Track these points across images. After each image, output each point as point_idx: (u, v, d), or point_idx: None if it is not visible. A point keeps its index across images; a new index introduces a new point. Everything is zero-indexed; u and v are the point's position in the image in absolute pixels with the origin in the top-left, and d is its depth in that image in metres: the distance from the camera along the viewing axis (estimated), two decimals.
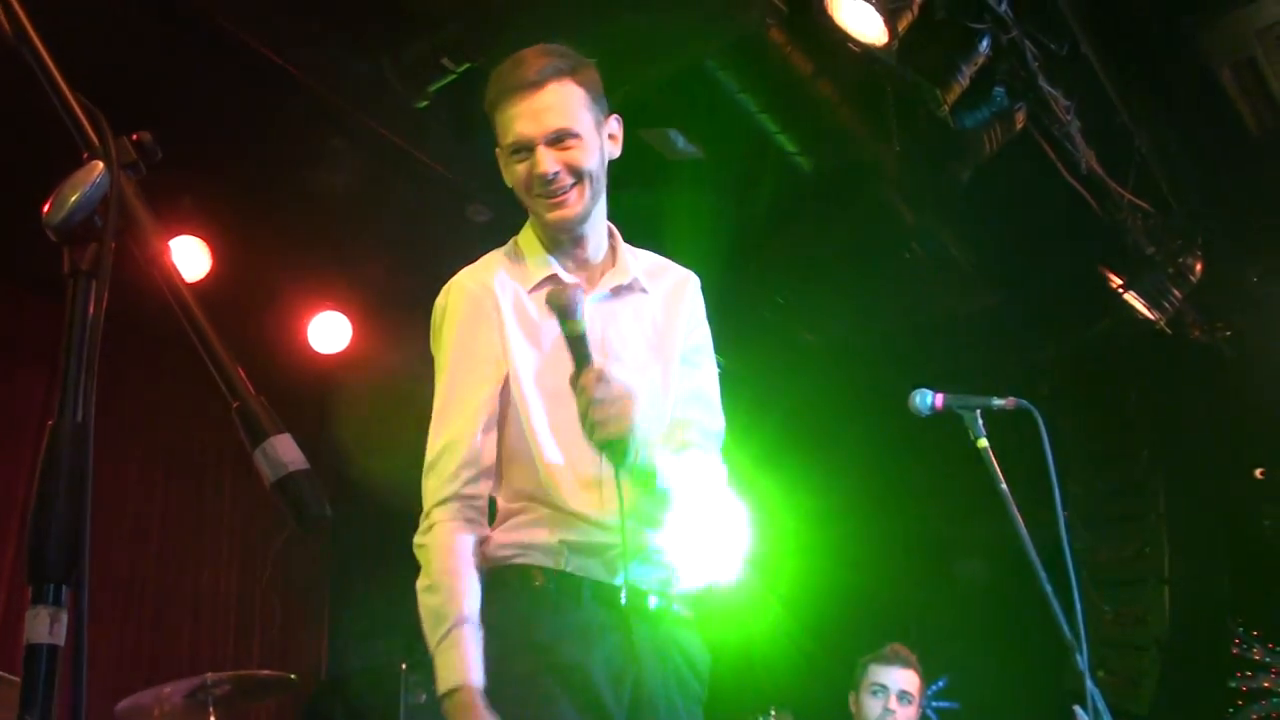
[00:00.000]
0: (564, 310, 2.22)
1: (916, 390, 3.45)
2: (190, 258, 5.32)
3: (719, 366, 7.81)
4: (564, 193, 2.36)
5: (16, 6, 1.34)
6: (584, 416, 2.21)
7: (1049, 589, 3.24)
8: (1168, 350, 6.36)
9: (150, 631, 5.95)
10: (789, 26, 4.78)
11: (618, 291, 2.50)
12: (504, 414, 2.43)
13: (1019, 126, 4.81)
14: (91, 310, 1.24)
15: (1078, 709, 3.32)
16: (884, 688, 3.76)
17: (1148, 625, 6.79)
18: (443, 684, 2.24)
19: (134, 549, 5.80)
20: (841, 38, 4.13)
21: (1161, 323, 5.78)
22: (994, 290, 6.06)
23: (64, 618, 1.14)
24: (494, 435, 2.42)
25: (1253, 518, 6.89)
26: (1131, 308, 5.66)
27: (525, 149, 2.36)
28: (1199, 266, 5.77)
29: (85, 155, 1.30)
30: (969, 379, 6.73)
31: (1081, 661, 3.13)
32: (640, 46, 4.67)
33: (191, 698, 4.38)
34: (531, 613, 2.34)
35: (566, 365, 2.27)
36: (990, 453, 3.37)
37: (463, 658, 2.24)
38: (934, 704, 8.88)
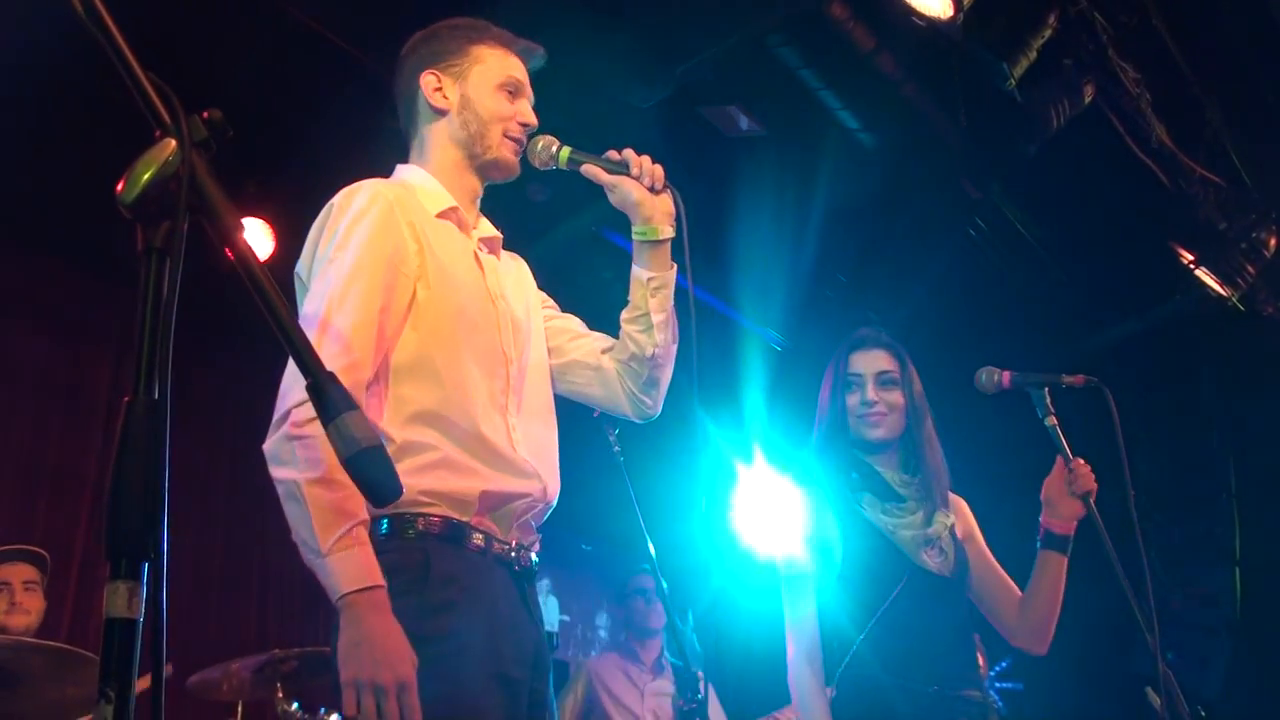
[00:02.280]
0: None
1: (983, 368, 3.39)
2: (254, 240, 5.37)
3: (778, 346, 7.76)
4: (522, 146, 2.53)
5: None
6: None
7: (1120, 569, 3.19)
8: (1240, 327, 6.23)
9: (218, 610, 6.03)
10: (850, 1, 4.74)
11: (492, 245, 2.59)
12: (408, 326, 2.31)
13: (1088, 100, 4.72)
14: (165, 288, 1.24)
15: (1150, 690, 3.27)
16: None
17: (1218, 606, 6.69)
18: (352, 582, 2.01)
19: (201, 529, 5.88)
20: (905, 11, 4.08)
21: (1234, 299, 5.66)
22: (1061, 268, 5.96)
23: (142, 592, 1.15)
24: (385, 346, 2.27)
25: None
26: (1203, 284, 5.55)
27: (519, 94, 2.54)
28: (1273, 241, 5.64)
29: (157, 133, 1.30)
30: (1034, 357, 6.67)
31: (1153, 643, 3.07)
32: (699, 23, 4.65)
33: (259, 673, 4.44)
34: (442, 569, 2.20)
35: (475, 289, 2.42)
36: (1059, 430, 3.33)
37: (371, 556, 2.06)
38: (998, 684, 8.83)
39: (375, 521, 2.25)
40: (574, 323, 2.68)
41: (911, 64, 5.08)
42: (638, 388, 2.54)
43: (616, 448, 4.00)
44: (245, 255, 1.28)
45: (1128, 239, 5.77)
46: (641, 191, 2.43)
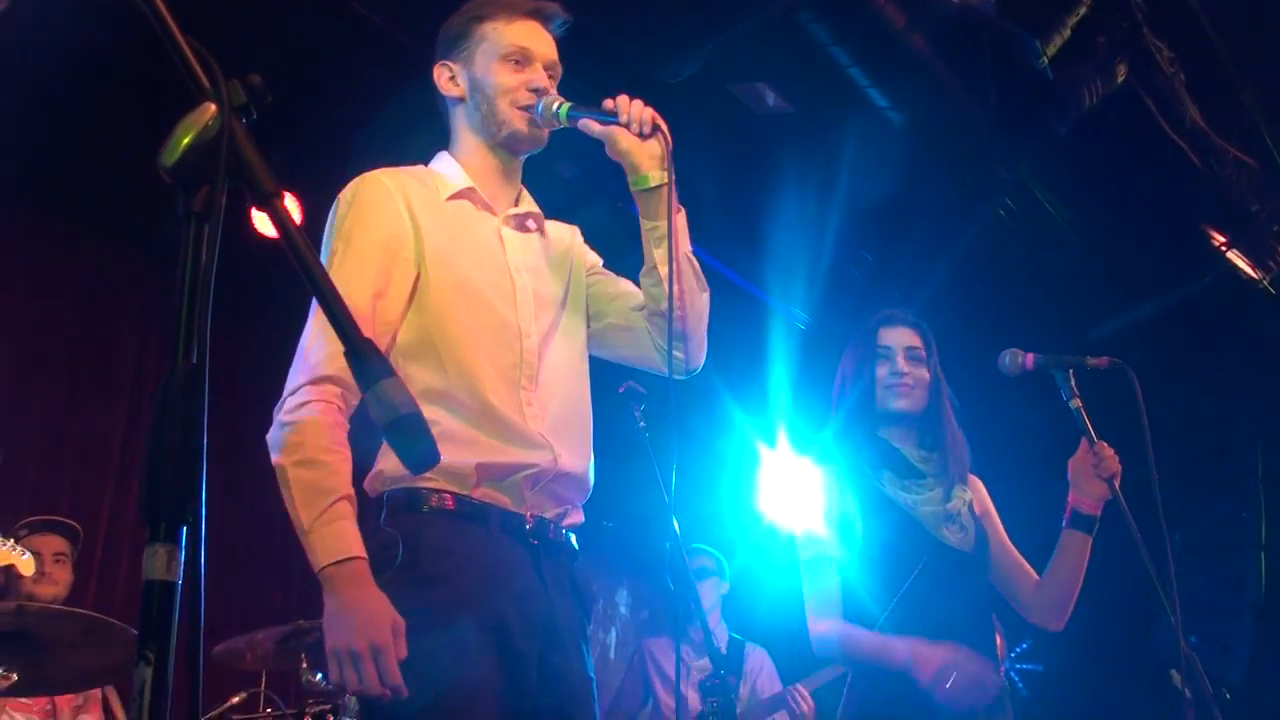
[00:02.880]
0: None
1: (1007, 350, 3.39)
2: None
3: (802, 325, 7.73)
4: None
5: None
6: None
7: (1145, 551, 3.18)
8: (1270, 310, 6.18)
9: (243, 583, 6.07)
10: None
11: (524, 221, 2.59)
12: (413, 308, 2.36)
13: (1120, 79, 4.68)
14: (204, 253, 1.24)
15: (1175, 672, 3.26)
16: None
17: (1243, 590, 6.65)
18: (330, 554, 2.08)
19: (225, 504, 5.90)
20: None
21: (1265, 281, 5.61)
22: (1090, 249, 5.91)
23: (180, 555, 1.15)
24: (386, 330, 2.33)
25: None
26: (1234, 266, 5.50)
27: (526, 61, 2.50)
28: None
29: (199, 98, 1.30)
30: (1062, 339, 6.64)
31: (1176, 625, 3.06)
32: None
33: (284, 643, 4.46)
34: (436, 542, 2.24)
35: (489, 266, 2.43)
36: (1084, 412, 3.32)
37: (353, 529, 2.12)
38: (1018, 666, 8.81)
39: (378, 497, 2.32)
40: (614, 285, 2.66)
41: (942, 42, 5.05)
42: (666, 343, 2.48)
43: (642, 423, 4.00)
44: (285, 221, 1.27)
45: (1159, 220, 5.72)
46: (630, 139, 2.39)
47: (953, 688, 3.03)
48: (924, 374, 3.37)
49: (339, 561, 2.08)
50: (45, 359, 5.84)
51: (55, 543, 4.69)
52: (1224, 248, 5.54)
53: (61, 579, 4.68)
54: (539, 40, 2.53)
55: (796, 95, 5.66)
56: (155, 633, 1.13)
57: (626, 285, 2.62)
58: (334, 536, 2.10)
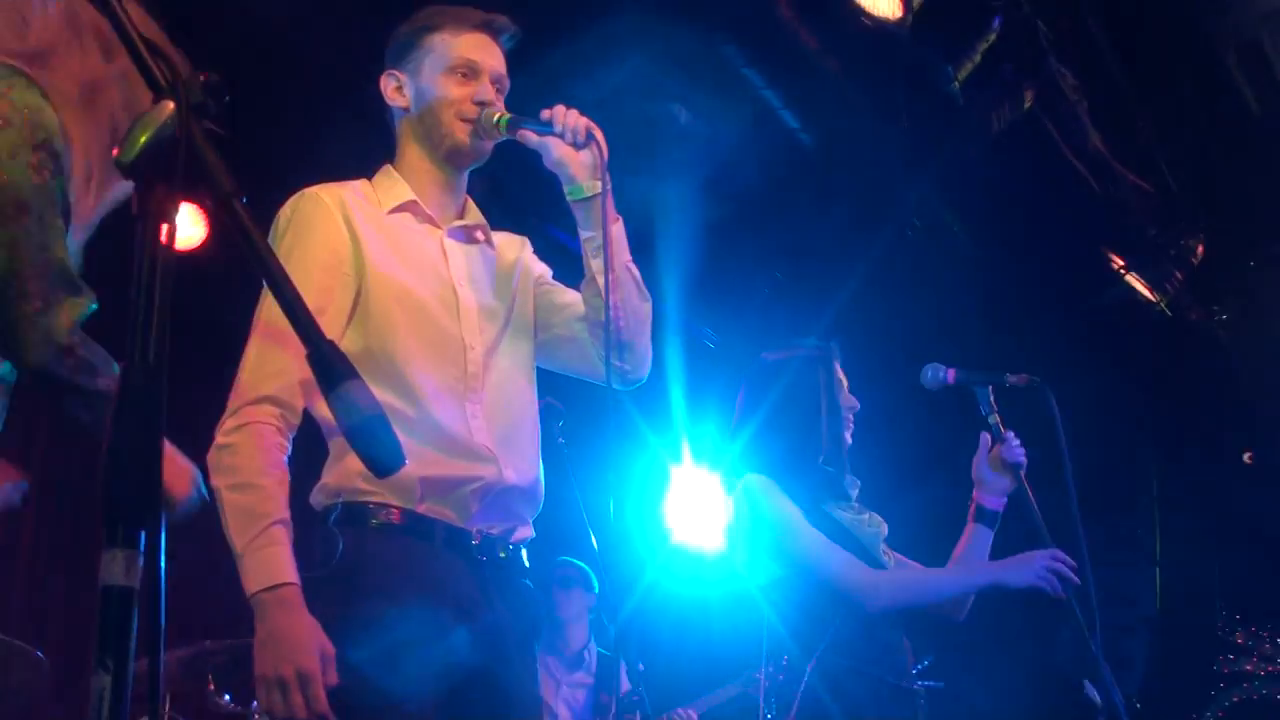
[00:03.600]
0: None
1: (929, 365, 3.45)
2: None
3: (711, 344, 7.74)
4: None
5: None
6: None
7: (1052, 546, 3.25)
8: (1166, 332, 6.37)
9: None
10: (798, 1, 4.77)
11: (470, 233, 2.59)
12: (354, 322, 2.36)
13: (1027, 105, 4.80)
14: (160, 250, 1.22)
15: (1087, 683, 3.34)
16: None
17: (1137, 607, 6.82)
18: (261, 581, 2.08)
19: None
20: (854, 11, 4.12)
21: (1162, 304, 5.79)
22: (996, 269, 6.04)
23: (139, 560, 1.13)
24: (334, 338, 2.33)
25: (1241, 501, 6.92)
26: (1132, 288, 5.67)
27: (473, 74, 2.49)
28: (1200, 249, 5.78)
29: (153, 96, 1.28)
30: (970, 356, 6.74)
31: (1091, 635, 3.15)
32: (648, 20, 4.66)
33: (190, 664, 4.36)
34: (380, 556, 2.23)
35: (431, 279, 2.43)
36: (1001, 427, 3.39)
37: (285, 554, 2.12)
38: (919, 683, 8.94)
39: (322, 511, 2.29)
40: (560, 295, 2.64)
41: (855, 65, 5.13)
42: (605, 353, 2.45)
43: (561, 439, 4.00)
44: (244, 222, 1.25)
45: (1061, 242, 5.87)
46: (564, 149, 2.40)
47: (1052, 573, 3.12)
48: (857, 405, 3.44)
49: (270, 588, 2.07)
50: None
51: None
52: (1123, 270, 5.70)
53: None
54: (487, 53, 2.52)
55: (710, 115, 5.70)
56: (114, 640, 1.11)
57: (573, 296, 2.60)
58: (266, 561, 2.09)
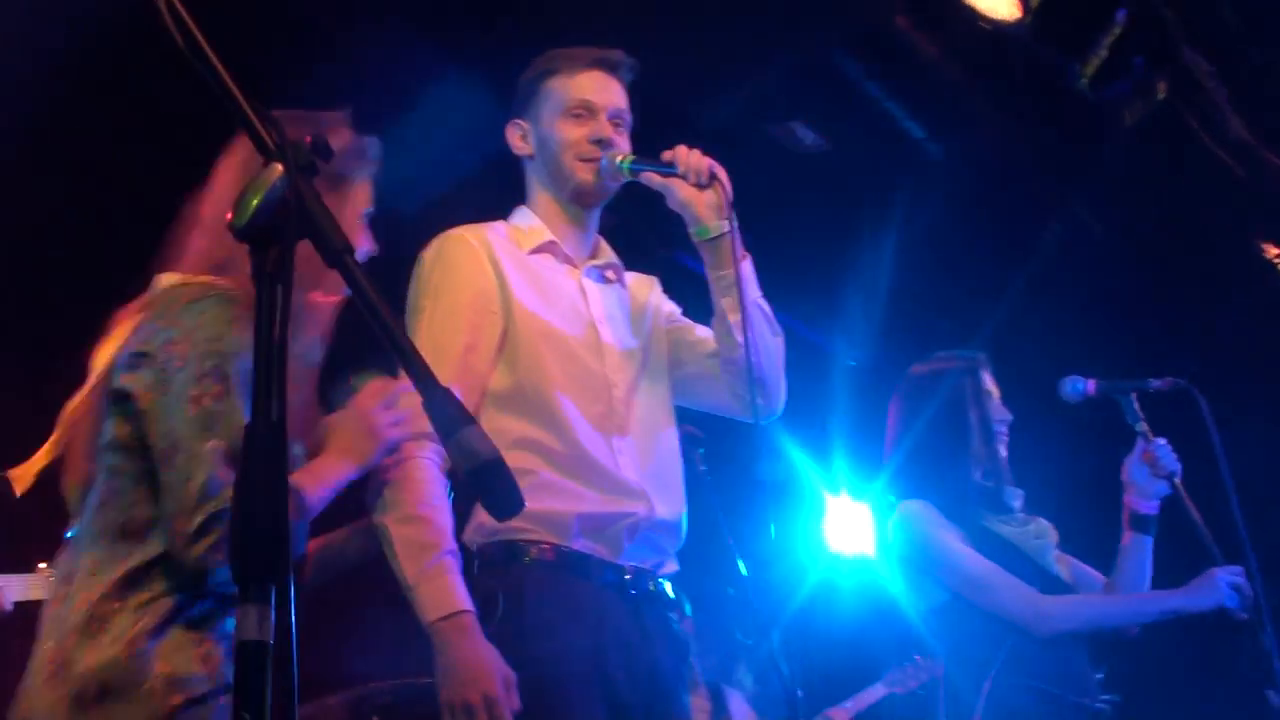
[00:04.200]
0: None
1: (1068, 377, 3.40)
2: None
3: (851, 365, 7.68)
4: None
5: (189, 22, 1.36)
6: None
7: (1218, 554, 3.14)
8: None
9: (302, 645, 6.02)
10: (914, 9, 4.72)
11: (604, 273, 2.63)
12: (503, 360, 2.40)
13: (1161, 97, 4.65)
14: (278, 311, 1.25)
15: (1271, 693, 3.21)
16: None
17: None
18: (436, 610, 2.12)
19: None
20: (971, 17, 4.05)
21: None
22: (1143, 268, 5.85)
23: (271, 615, 1.15)
24: (478, 383, 2.36)
25: None
26: None
27: (589, 112, 2.52)
28: None
29: (263, 160, 1.31)
30: (1121, 360, 6.54)
31: (1271, 643, 3.02)
32: (761, 40, 4.65)
33: (356, 708, 4.44)
34: (537, 594, 2.26)
35: (573, 319, 2.47)
36: (1150, 435, 3.29)
37: (457, 583, 2.15)
38: (1102, 699, 8.67)
39: (474, 550, 2.33)
40: (690, 333, 2.68)
41: (977, 70, 5.04)
42: (744, 389, 2.48)
43: (702, 467, 3.98)
44: (358, 279, 1.28)
45: (1208, 236, 5.66)
46: (688, 190, 2.41)
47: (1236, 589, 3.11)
48: (1009, 417, 3.39)
49: (448, 616, 2.11)
50: None
51: None
52: (1276, 260, 5.48)
53: None
54: (603, 91, 2.55)
55: (833, 133, 5.66)
56: (250, 693, 1.13)
57: (703, 333, 2.63)
58: (441, 591, 2.14)
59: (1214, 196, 5.28)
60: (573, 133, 2.51)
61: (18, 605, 3.19)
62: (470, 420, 1.22)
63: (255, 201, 1.28)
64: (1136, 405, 3.30)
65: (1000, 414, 3.34)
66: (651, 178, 2.45)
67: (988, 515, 3.27)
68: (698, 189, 2.40)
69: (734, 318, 2.43)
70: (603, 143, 2.50)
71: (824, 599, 7.02)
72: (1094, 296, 6.01)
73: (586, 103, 2.52)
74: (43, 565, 3.65)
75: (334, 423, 2.15)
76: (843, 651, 6.80)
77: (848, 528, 7.09)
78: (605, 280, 2.62)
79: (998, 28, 4.02)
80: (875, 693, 5.48)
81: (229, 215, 1.27)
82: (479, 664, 2.06)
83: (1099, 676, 7.81)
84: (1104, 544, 3.48)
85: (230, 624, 2.01)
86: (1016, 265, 5.99)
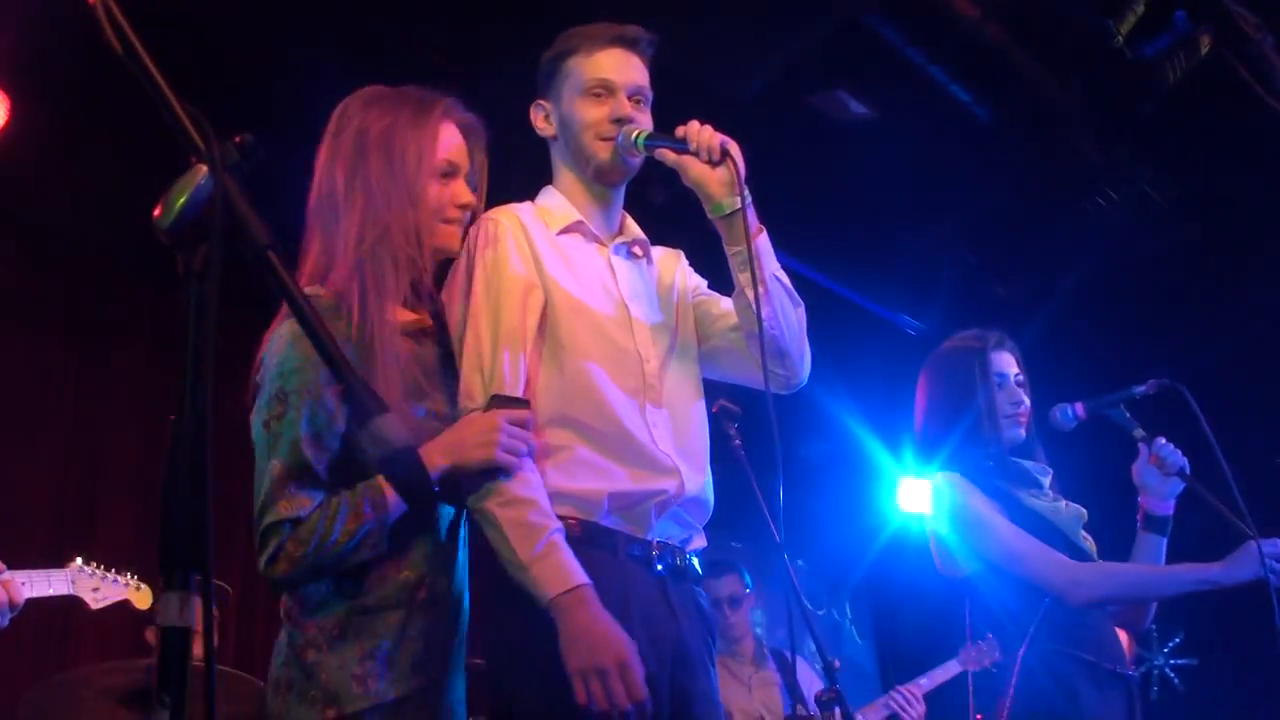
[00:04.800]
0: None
1: (1056, 406, 3.41)
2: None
3: (914, 330, 7.60)
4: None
5: (126, 27, 1.40)
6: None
7: (1251, 526, 3.12)
8: None
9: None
10: None
11: (630, 249, 2.63)
12: (543, 338, 2.42)
13: (1204, 50, 4.53)
14: (205, 309, 1.29)
15: None
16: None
17: None
18: (556, 586, 2.14)
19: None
20: None
21: None
22: (1195, 225, 5.72)
23: (194, 601, 1.19)
24: (531, 353, 2.39)
25: None
26: None
27: (608, 91, 2.51)
28: None
29: (192, 159, 1.35)
30: (1177, 319, 6.42)
31: None
32: (791, 6, 4.62)
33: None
34: None
35: (604, 297, 2.48)
36: (1149, 439, 3.30)
37: (570, 559, 2.18)
38: (1171, 662, 8.52)
39: None
40: (716, 306, 2.68)
41: (1019, 30, 4.97)
42: (767, 362, 2.45)
43: (737, 441, 3.99)
44: (279, 273, 1.32)
45: (1260, 191, 5.52)
46: (700, 168, 2.41)
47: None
48: (1027, 401, 3.37)
49: (568, 590, 2.14)
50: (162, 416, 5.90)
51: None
52: None
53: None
54: (622, 69, 2.53)
55: (877, 100, 5.61)
56: (172, 677, 1.18)
57: (727, 305, 2.63)
58: (556, 567, 2.17)
59: (1268, 150, 5.15)
60: (592, 113, 2.51)
61: (30, 601, 3.30)
62: (384, 408, 1.25)
63: (181, 201, 1.32)
64: (1128, 414, 3.30)
65: (1012, 397, 3.33)
66: (665, 154, 2.44)
67: (1019, 489, 3.27)
68: (710, 166, 2.40)
69: (752, 291, 2.43)
70: (621, 121, 2.49)
71: (904, 572, 6.97)
72: (1146, 255, 5.89)
73: (605, 81, 2.51)
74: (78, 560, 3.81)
75: (467, 420, 2.24)
76: (921, 626, 6.77)
77: (922, 499, 7.01)
78: (633, 256, 2.63)
79: None
80: (949, 670, 5.42)
81: (154, 213, 1.31)
82: (606, 631, 2.11)
83: (1176, 641, 7.71)
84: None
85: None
86: (1069, 226, 5.90)
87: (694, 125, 2.43)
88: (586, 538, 2.30)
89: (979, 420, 3.30)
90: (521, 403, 2.28)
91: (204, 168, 1.33)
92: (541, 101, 2.61)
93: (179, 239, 1.31)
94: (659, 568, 2.36)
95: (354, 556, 2.09)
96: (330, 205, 2.31)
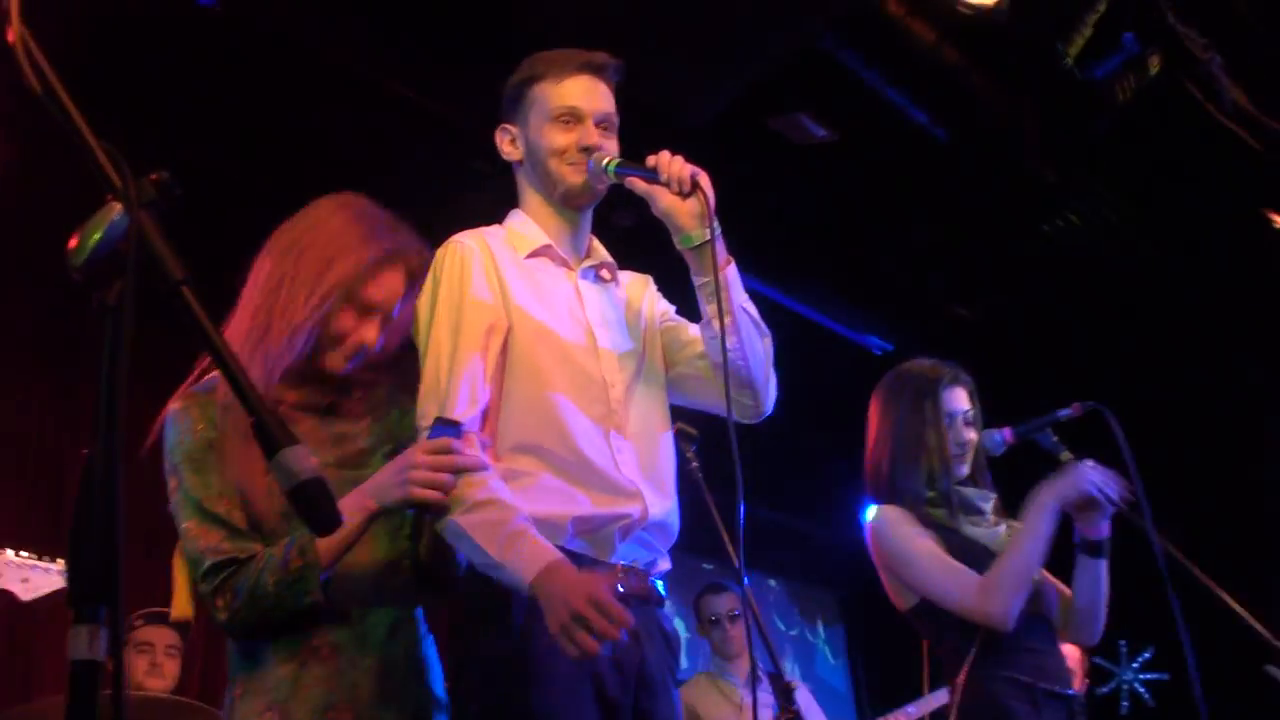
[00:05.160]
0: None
1: (983, 432, 3.41)
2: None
3: (880, 352, 7.63)
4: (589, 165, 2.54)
5: (45, 66, 1.42)
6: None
7: (1166, 544, 3.16)
8: None
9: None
10: None
11: (598, 273, 2.64)
12: (505, 362, 2.43)
13: (1154, 71, 4.59)
14: (119, 344, 1.30)
15: (1271, 668, 3.24)
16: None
17: None
18: (530, 571, 2.13)
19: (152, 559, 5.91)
20: (951, 2, 4.03)
21: None
22: (1153, 244, 5.78)
23: (103, 634, 1.20)
24: (493, 377, 2.40)
25: None
26: None
27: (575, 118, 2.52)
28: None
29: (108, 196, 1.37)
30: (1148, 337, 6.47)
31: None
32: (748, 30, 4.66)
33: None
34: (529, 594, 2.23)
35: (570, 322, 2.49)
36: (1075, 461, 3.31)
37: (538, 541, 2.17)
38: (1142, 677, 8.54)
39: None
40: (684, 333, 2.69)
41: (975, 52, 5.02)
42: (734, 392, 2.47)
43: (694, 464, 4.00)
44: (192, 309, 1.33)
45: (1216, 208, 5.58)
46: (669, 198, 2.41)
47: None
48: (974, 436, 3.38)
49: (542, 570, 2.13)
50: (136, 455, 5.97)
51: (168, 635, 4.74)
52: None
53: (170, 672, 4.73)
54: (589, 96, 2.54)
55: (838, 123, 5.66)
56: (82, 710, 1.19)
57: (695, 332, 2.64)
58: (526, 554, 2.16)
59: (1218, 169, 5.21)
60: (560, 139, 2.51)
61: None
62: (292, 440, 1.27)
63: (95, 238, 1.33)
64: (1054, 438, 3.32)
65: (959, 437, 3.36)
66: (635, 183, 2.45)
67: (960, 518, 3.30)
68: (680, 197, 2.40)
69: (718, 322, 2.44)
70: (589, 150, 2.50)
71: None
72: (1108, 274, 5.95)
73: (573, 109, 2.52)
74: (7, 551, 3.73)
75: (391, 461, 2.27)
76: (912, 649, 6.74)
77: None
78: (600, 280, 2.63)
79: (977, 12, 3.99)
80: (939, 698, 5.41)
81: (69, 247, 1.32)
82: (575, 580, 2.09)
83: (1146, 656, 7.71)
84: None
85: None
86: (1032, 246, 5.96)
87: (665, 155, 2.43)
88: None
89: (926, 458, 3.32)
90: (455, 426, 2.28)
91: (119, 205, 1.35)
92: (507, 126, 2.61)
93: (93, 275, 1.33)
94: (621, 590, 2.34)
95: (292, 604, 2.12)
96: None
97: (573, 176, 2.51)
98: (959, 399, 3.39)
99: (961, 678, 3.14)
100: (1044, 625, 3.27)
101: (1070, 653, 4.31)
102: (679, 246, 2.46)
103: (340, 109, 4.94)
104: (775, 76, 5.23)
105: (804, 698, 5.60)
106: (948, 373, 3.41)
